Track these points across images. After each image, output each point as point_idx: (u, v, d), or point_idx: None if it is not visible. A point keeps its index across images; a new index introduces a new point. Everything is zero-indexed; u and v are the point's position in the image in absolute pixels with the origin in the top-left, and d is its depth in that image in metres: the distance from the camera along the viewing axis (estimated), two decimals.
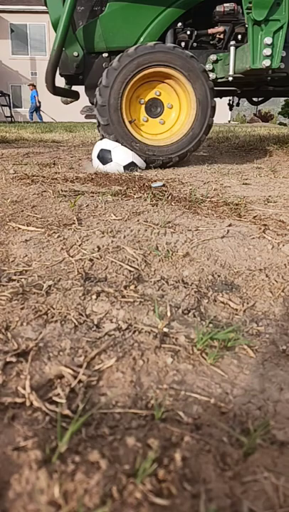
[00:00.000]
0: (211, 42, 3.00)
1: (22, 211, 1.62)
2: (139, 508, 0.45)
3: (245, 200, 1.87)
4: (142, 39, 2.84)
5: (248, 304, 0.94)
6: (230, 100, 4.01)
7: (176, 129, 2.81)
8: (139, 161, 2.68)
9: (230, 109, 4.03)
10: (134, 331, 0.80)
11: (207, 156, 3.79)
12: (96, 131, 2.98)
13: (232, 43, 2.80)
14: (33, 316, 0.85)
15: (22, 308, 0.87)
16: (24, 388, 0.64)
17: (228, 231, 1.39)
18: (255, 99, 4.07)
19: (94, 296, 0.93)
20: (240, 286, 1.02)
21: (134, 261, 1.14)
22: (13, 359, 0.70)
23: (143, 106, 2.82)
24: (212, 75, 2.94)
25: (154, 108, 2.83)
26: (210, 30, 2.91)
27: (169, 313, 0.87)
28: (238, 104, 3.96)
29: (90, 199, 1.83)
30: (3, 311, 0.86)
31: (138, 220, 1.50)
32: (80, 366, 0.69)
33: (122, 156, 2.63)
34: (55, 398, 0.62)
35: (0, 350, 0.73)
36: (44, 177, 2.38)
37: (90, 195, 1.92)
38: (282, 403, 0.63)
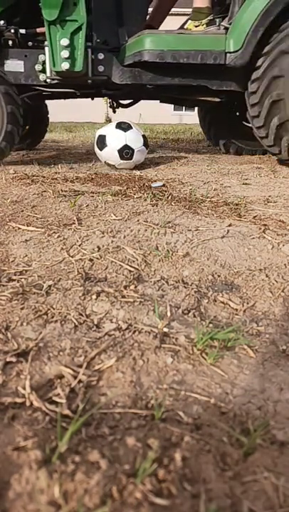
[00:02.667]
0: (43, 41, 2.79)
1: (22, 211, 1.62)
2: (139, 508, 0.45)
3: (245, 200, 1.87)
4: None
5: (248, 303, 0.94)
6: (110, 102, 3.74)
7: None
8: (134, 144, 2.65)
9: (114, 112, 3.74)
10: (134, 331, 0.80)
11: (207, 156, 3.79)
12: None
13: (46, 43, 2.62)
14: (33, 316, 0.85)
15: (22, 308, 0.87)
16: (24, 388, 0.64)
17: (228, 231, 1.39)
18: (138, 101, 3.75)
19: (94, 296, 0.93)
20: (240, 286, 1.02)
21: (134, 261, 1.14)
22: (13, 359, 0.70)
23: None
24: (42, 77, 2.78)
25: None
26: (38, 30, 2.76)
27: (169, 313, 0.87)
28: (117, 107, 3.65)
29: (90, 199, 1.83)
30: (3, 311, 0.86)
31: (138, 220, 1.50)
32: (80, 366, 0.69)
33: (115, 141, 2.62)
34: (55, 398, 0.62)
35: (0, 350, 0.73)
36: (44, 177, 2.38)
37: (90, 195, 1.92)
38: (282, 403, 0.63)
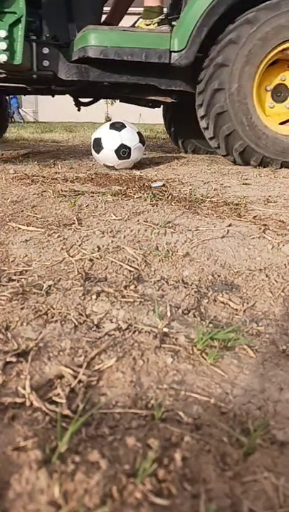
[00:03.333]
0: None
1: (22, 211, 1.62)
2: (139, 508, 0.45)
3: (245, 200, 1.87)
4: None
5: (248, 303, 0.94)
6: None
7: None
8: (130, 142, 2.64)
9: (78, 110, 3.69)
10: (134, 331, 0.80)
11: (207, 156, 3.79)
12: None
13: None
14: (33, 316, 0.85)
15: (22, 308, 0.87)
16: (24, 388, 0.64)
17: (228, 231, 1.39)
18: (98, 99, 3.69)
19: (94, 296, 0.93)
20: (240, 286, 1.02)
21: (134, 261, 1.14)
22: (13, 359, 0.70)
23: None
24: None
25: None
26: None
27: (169, 313, 0.87)
28: (85, 104, 3.59)
29: (90, 199, 1.83)
30: (3, 311, 0.86)
31: (138, 220, 1.50)
32: (80, 366, 0.69)
33: (110, 141, 2.62)
34: (55, 398, 0.62)
35: (0, 350, 0.73)
36: (44, 177, 2.38)
37: (90, 195, 1.92)
38: (282, 403, 0.63)
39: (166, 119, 4.07)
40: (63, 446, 0.52)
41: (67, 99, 3.64)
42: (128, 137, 2.64)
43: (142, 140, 2.73)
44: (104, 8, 3.17)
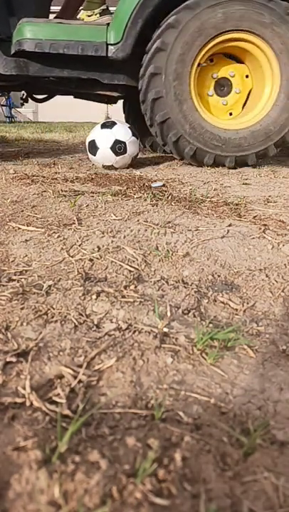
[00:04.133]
0: None
1: (22, 211, 1.62)
2: (139, 508, 0.45)
3: (245, 200, 1.87)
4: None
5: (248, 303, 0.94)
6: (22, 95, 3.60)
7: None
8: (124, 137, 2.64)
9: (22, 105, 3.64)
10: (134, 331, 0.80)
11: None
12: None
13: None
14: (33, 316, 0.85)
15: (22, 308, 0.87)
16: (24, 388, 0.64)
17: (228, 231, 1.39)
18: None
19: (94, 296, 0.93)
20: (240, 286, 1.02)
21: (134, 261, 1.14)
22: (13, 359, 0.70)
23: None
24: None
25: None
26: None
27: (169, 313, 0.87)
28: (26, 100, 3.53)
29: (90, 199, 1.83)
30: (3, 311, 0.86)
31: (138, 220, 1.50)
32: (80, 366, 0.69)
33: (104, 140, 2.62)
34: (55, 398, 0.62)
35: (0, 350, 0.73)
36: (44, 177, 2.38)
37: (90, 195, 1.92)
38: (282, 403, 0.63)
39: (124, 112, 4.00)
40: (63, 446, 0.52)
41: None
42: (121, 132, 2.64)
43: (134, 134, 2.72)
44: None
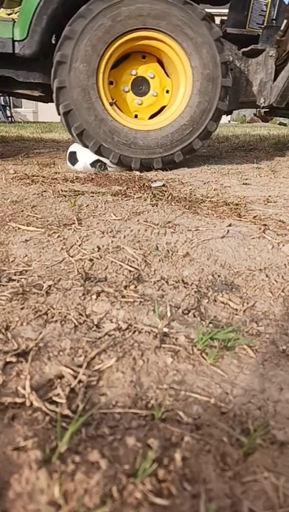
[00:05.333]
0: None
1: (22, 211, 1.62)
2: (139, 508, 0.45)
3: (245, 200, 1.87)
4: None
5: (248, 303, 0.94)
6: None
7: None
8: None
9: None
10: (134, 331, 0.80)
11: (207, 156, 3.79)
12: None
13: None
14: (33, 316, 0.85)
15: (22, 308, 0.87)
16: (24, 388, 0.64)
17: (228, 231, 1.39)
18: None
19: (94, 296, 0.93)
20: (240, 286, 1.02)
21: (134, 261, 1.14)
22: (13, 359, 0.70)
23: None
24: None
25: None
26: None
27: (169, 313, 0.87)
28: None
29: (90, 199, 1.83)
30: (3, 311, 0.86)
31: (138, 220, 1.50)
32: (80, 366, 0.69)
33: (85, 155, 2.61)
34: (55, 398, 0.62)
35: (0, 350, 0.73)
36: (44, 177, 2.38)
37: (90, 195, 1.92)
38: (282, 403, 0.63)
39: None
40: (63, 446, 0.52)
41: None
42: None
43: None
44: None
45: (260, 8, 3.05)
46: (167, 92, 2.74)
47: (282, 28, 2.76)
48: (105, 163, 2.61)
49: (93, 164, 2.60)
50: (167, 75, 2.74)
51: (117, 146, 2.56)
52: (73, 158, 2.67)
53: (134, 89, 2.72)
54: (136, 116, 2.76)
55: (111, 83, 2.64)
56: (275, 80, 2.84)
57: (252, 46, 2.84)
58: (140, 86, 2.72)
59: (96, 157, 2.59)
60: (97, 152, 2.59)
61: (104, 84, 2.52)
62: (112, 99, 2.60)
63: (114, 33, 2.44)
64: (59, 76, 2.46)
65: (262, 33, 2.89)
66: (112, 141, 2.55)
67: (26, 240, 1.28)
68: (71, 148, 2.72)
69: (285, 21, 2.71)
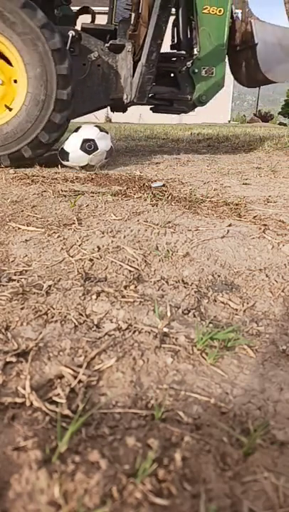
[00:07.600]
0: None
1: (22, 211, 1.62)
2: (139, 508, 0.45)
3: (245, 200, 1.87)
4: None
5: (248, 303, 0.94)
6: None
7: None
8: (91, 135, 2.62)
9: None
10: (134, 331, 0.80)
11: (207, 156, 3.79)
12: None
13: None
14: (33, 316, 0.85)
15: (22, 308, 0.87)
16: (24, 388, 0.64)
17: (228, 231, 1.39)
18: None
19: (94, 296, 0.93)
20: (240, 286, 1.02)
21: (134, 261, 1.14)
22: (13, 359, 0.70)
23: None
24: None
25: None
26: None
27: (169, 313, 0.87)
28: None
29: (90, 199, 1.83)
30: (3, 311, 0.86)
31: (138, 220, 1.50)
32: (80, 366, 0.69)
33: (72, 143, 2.61)
34: (55, 398, 0.62)
35: (0, 350, 0.73)
36: (44, 177, 2.38)
37: (90, 195, 1.92)
38: (282, 403, 0.63)
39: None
40: (63, 446, 0.52)
41: None
42: (87, 132, 2.62)
43: (103, 129, 2.68)
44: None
45: (126, 1, 2.99)
46: (15, 82, 2.64)
47: (132, 22, 2.71)
48: (93, 140, 2.58)
49: (82, 146, 2.57)
50: (10, 64, 2.64)
51: None
52: (63, 153, 2.67)
53: None
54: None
55: None
56: (134, 75, 2.80)
57: (111, 41, 2.78)
58: None
59: (82, 138, 2.57)
60: None
61: None
62: None
63: None
64: None
65: (118, 27, 2.83)
66: None
67: (26, 240, 1.28)
68: (59, 148, 2.73)
69: (133, 14, 2.65)
